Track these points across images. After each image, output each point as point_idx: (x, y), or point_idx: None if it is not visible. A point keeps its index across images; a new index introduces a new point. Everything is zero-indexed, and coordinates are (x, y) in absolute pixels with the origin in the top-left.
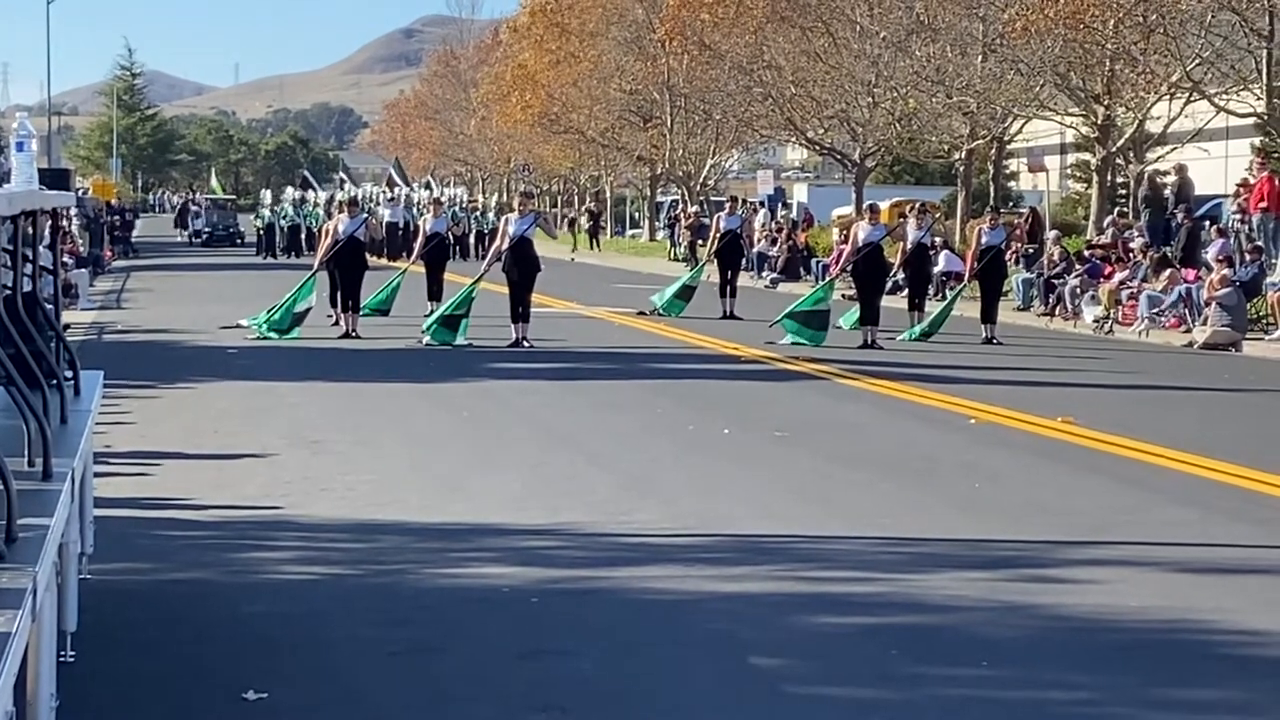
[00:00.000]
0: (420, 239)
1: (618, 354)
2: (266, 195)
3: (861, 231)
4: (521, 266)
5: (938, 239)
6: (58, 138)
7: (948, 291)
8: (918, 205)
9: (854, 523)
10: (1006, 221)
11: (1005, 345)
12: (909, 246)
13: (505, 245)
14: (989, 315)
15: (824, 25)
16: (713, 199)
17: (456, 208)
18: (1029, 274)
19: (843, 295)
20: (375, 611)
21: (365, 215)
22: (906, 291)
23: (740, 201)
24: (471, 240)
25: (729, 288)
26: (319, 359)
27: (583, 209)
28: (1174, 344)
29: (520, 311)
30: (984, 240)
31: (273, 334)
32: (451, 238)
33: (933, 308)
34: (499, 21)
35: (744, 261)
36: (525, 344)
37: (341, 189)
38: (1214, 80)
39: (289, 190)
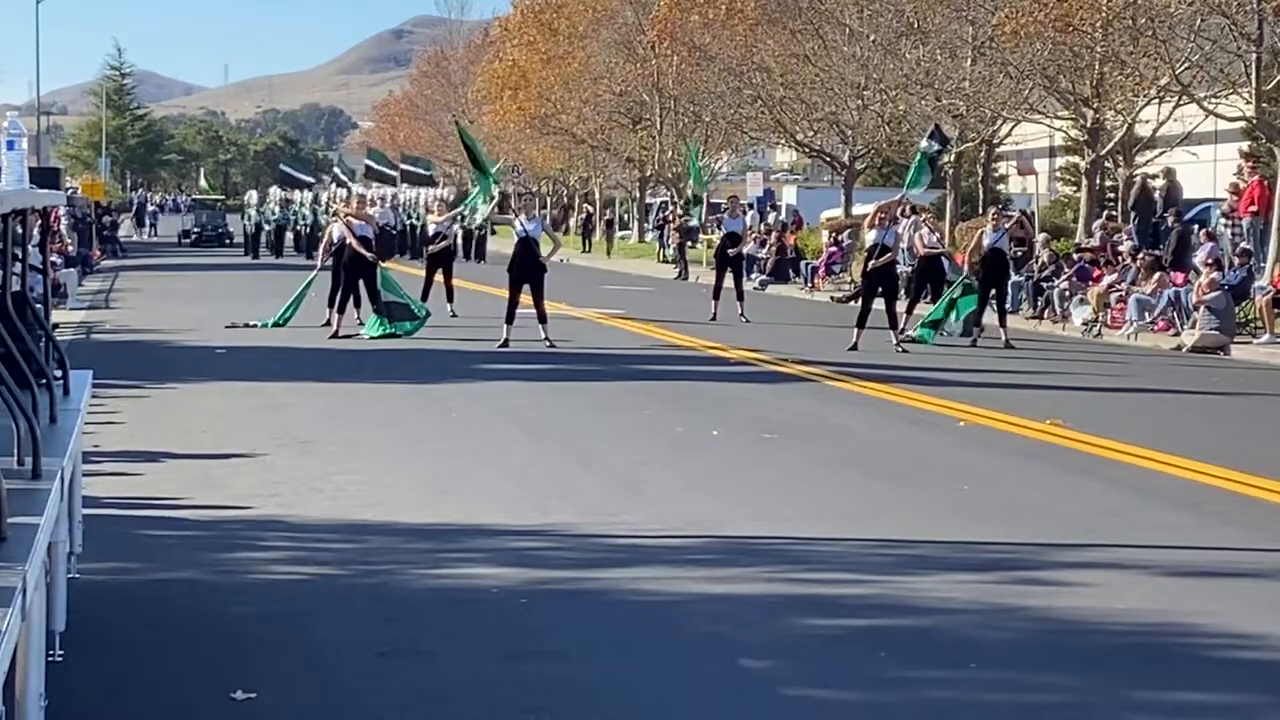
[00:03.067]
0: (439, 241)
1: (606, 355)
2: (252, 195)
3: (986, 237)
4: (527, 267)
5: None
6: (47, 137)
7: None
8: (908, 206)
9: (843, 525)
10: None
11: (993, 348)
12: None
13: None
14: (1000, 319)
15: (814, 28)
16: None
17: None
18: (1018, 277)
19: (832, 298)
20: (364, 612)
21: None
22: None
23: (736, 200)
24: (459, 240)
25: (735, 292)
26: (308, 359)
27: (601, 213)
28: (1162, 347)
29: (539, 313)
30: (986, 241)
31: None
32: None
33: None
34: (489, 22)
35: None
36: (549, 344)
37: (328, 189)
38: (1203, 84)
39: (275, 190)
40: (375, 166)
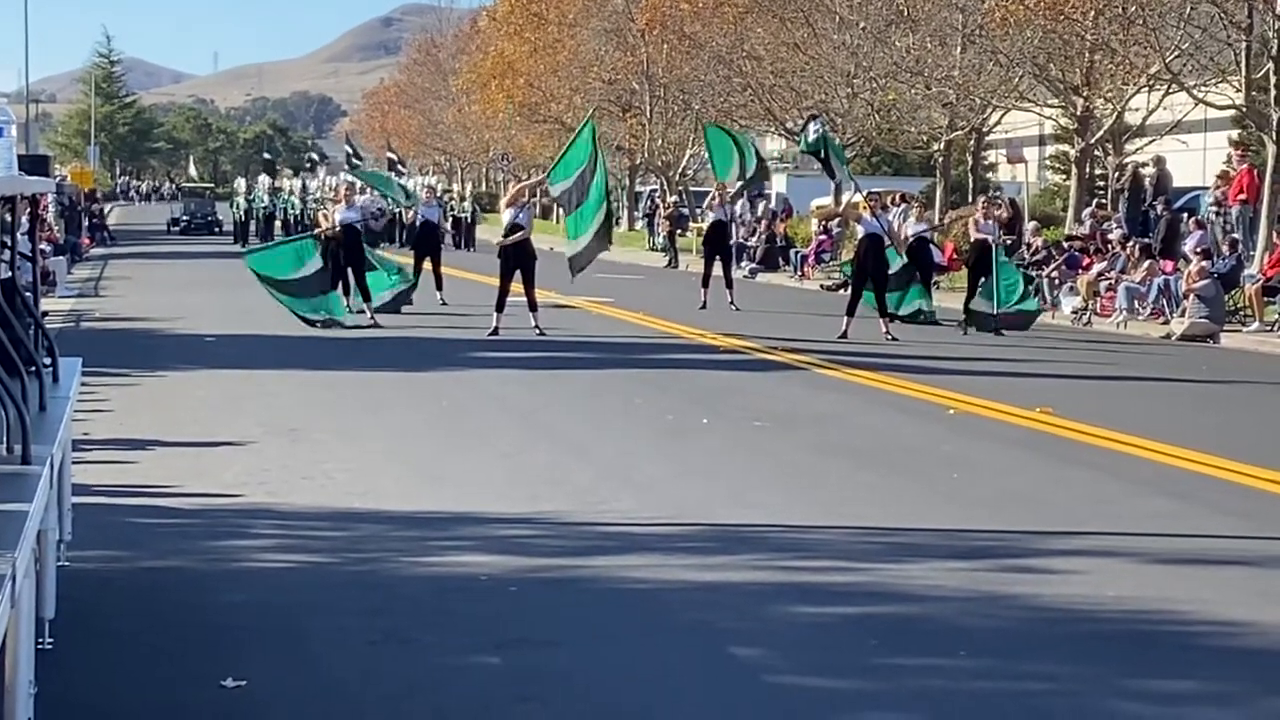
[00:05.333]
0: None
1: (596, 343)
2: (241, 183)
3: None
4: (518, 255)
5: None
6: (35, 125)
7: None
8: (898, 196)
9: (833, 513)
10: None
11: (983, 336)
12: (909, 238)
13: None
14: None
15: (804, 16)
16: (691, 189)
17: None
18: None
19: (822, 286)
20: (354, 600)
21: (360, 207)
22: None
23: (724, 189)
24: (448, 228)
25: (725, 280)
26: (297, 347)
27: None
28: (1152, 335)
29: (530, 301)
30: (975, 232)
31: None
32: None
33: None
34: (478, 10)
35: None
36: (539, 332)
37: (314, 176)
38: (1193, 72)
39: (264, 178)
40: (352, 156)
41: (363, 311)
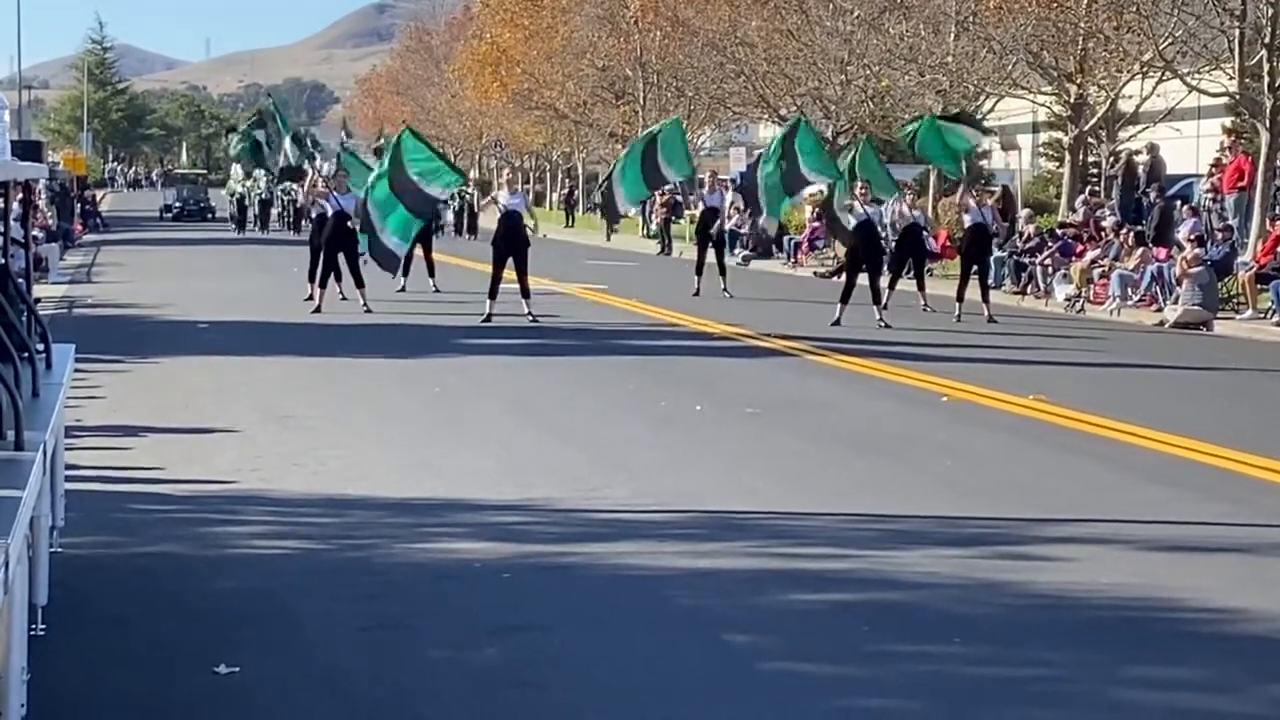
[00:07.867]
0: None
1: (590, 330)
2: (237, 170)
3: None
4: (512, 241)
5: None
6: (28, 111)
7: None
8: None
9: (827, 500)
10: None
11: (977, 323)
12: (900, 226)
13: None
14: (983, 295)
15: (797, 2)
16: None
17: None
18: (1001, 252)
19: (815, 273)
20: (346, 586)
21: (354, 192)
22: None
23: (715, 176)
24: (450, 216)
25: (718, 267)
26: (291, 334)
27: (585, 189)
28: (1145, 323)
29: (523, 288)
30: (968, 218)
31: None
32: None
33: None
34: None
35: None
36: (532, 319)
37: (311, 162)
38: (1186, 60)
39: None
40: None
41: (344, 298)
